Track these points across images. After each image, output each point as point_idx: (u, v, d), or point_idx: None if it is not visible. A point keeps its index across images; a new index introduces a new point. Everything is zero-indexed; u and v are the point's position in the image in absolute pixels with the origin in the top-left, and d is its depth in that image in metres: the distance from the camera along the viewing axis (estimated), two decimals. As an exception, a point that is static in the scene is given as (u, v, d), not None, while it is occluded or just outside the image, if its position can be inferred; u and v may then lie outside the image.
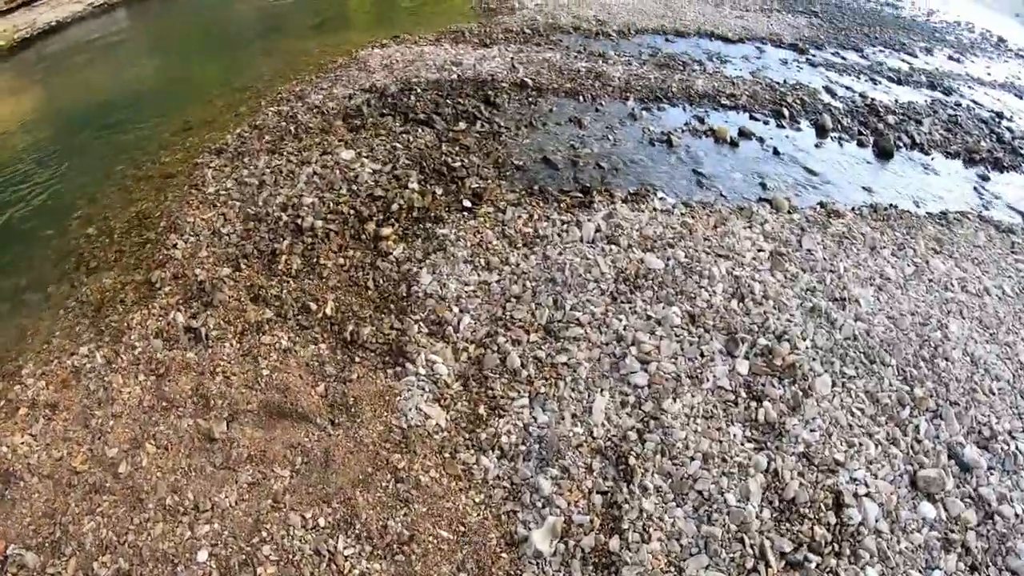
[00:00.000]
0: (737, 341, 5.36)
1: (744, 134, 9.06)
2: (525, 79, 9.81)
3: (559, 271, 5.90)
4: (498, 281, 5.88)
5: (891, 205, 8.21)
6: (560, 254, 6.09)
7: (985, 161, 10.43)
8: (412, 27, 13.14)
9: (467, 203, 6.97)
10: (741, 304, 5.72)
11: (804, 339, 5.49)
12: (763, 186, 7.88)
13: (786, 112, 10.01)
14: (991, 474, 4.90)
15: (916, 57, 15.76)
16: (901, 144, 10.05)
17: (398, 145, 8.00)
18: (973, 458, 4.93)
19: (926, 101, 12.17)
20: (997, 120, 12.31)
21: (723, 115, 9.71)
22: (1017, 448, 5.15)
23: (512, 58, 10.70)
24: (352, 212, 6.77)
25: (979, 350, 5.93)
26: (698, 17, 14.93)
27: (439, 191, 7.12)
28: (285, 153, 7.84)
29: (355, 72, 10.33)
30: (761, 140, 9.04)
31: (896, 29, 18.74)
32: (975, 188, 9.52)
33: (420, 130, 8.45)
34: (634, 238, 6.36)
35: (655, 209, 6.97)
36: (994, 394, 5.56)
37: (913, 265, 6.80)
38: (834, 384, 5.26)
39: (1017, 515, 4.67)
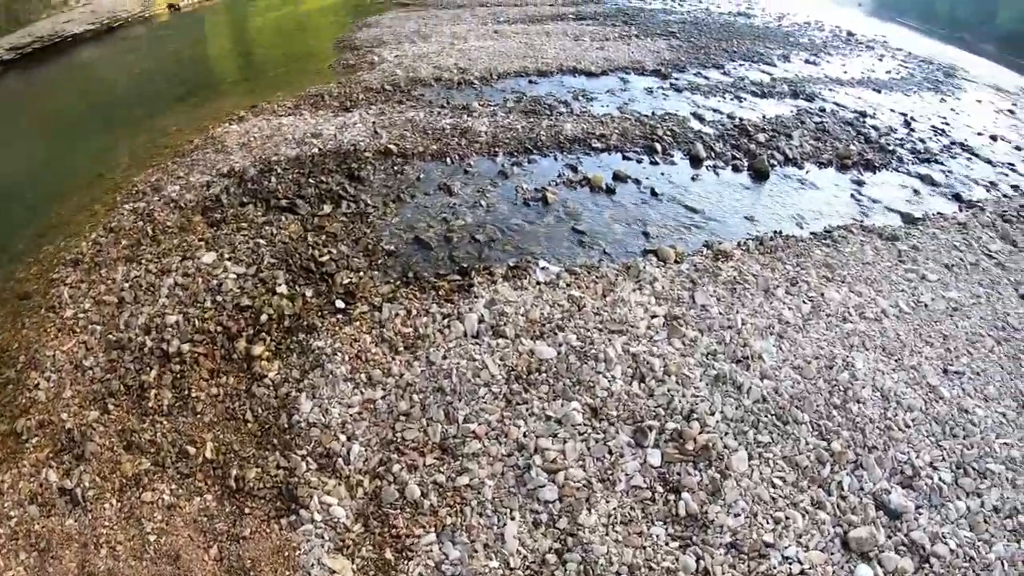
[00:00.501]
0: (645, 431, 4.82)
1: (619, 178, 8.67)
2: (389, 145, 9.19)
3: (446, 378, 5.26)
4: (383, 397, 5.20)
5: (776, 233, 7.97)
6: (445, 357, 5.46)
7: (857, 165, 10.50)
8: (273, 92, 12.47)
9: (340, 304, 6.26)
10: (643, 385, 5.20)
11: (713, 414, 5.00)
12: (646, 235, 7.47)
13: (658, 146, 9.68)
14: (920, 514, 4.61)
15: (775, 66, 15.87)
16: (775, 162, 9.89)
17: (261, 241, 7.24)
18: (900, 503, 4.63)
19: (792, 112, 12.13)
20: (861, 120, 12.42)
21: (596, 159, 9.30)
22: (940, 479, 4.91)
23: (374, 122, 10.05)
24: (220, 329, 5.99)
25: (887, 382, 5.66)
26: (559, 53, 14.60)
27: (309, 293, 6.41)
28: (144, 261, 6.96)
29: (212, 154, 9.48)
30: (637, 182, 8.67)
31: (752, 39, 18.91)
32: (852, 195, 9.47)
33: (284, 218, 7.72)
34: (520, 324, 5.78)
35: (538, 283, 6.42)
36: (909, 427, 5.29)
37: (808, 301, 6.46)
38: (751, 457, 4.80)
39: (952, 550, 4.41)
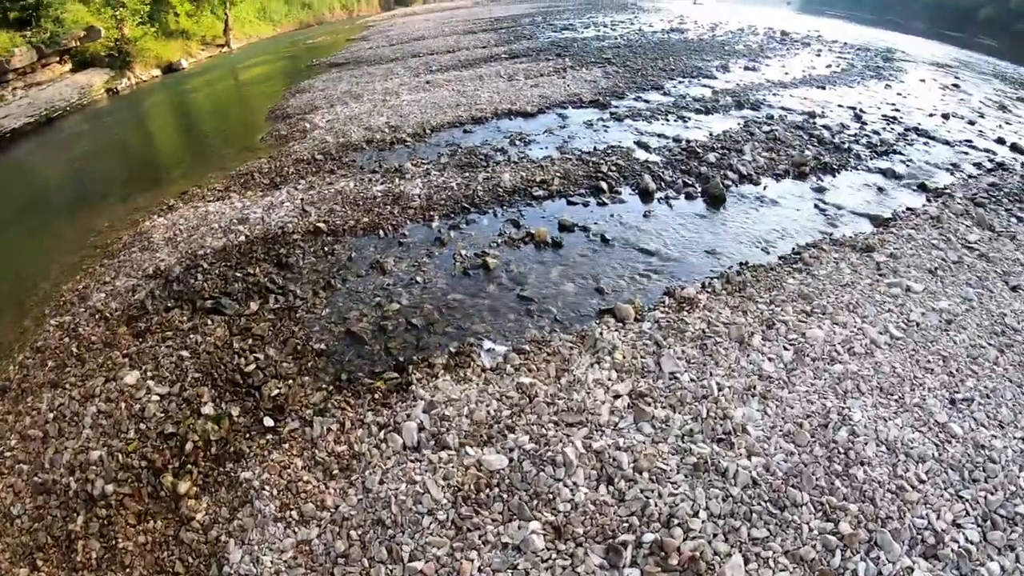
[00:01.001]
0: (618, 548, 3.94)
1: (565, 228, 7.89)
2: (318, 224, 8.42)
3: (385, 507, 4.37)
4: (319, 536, 4.35)
5: (742, 265, 7.29)
6: (382, 482, 4.55)
7: (815, 171, 9.99)
8: (204, 174, 11.78)
9: (269, 421, 5.42)
10: (611, 489, 4.32)
11: (697, 513, 4.14)
12: (600, 291, 6.65)
13: (604, 185, 8.96)
14: (951, 590, 3.60)
15: (715, 78, 15.38)
16: (729, 182, 9.34)
17: (185, 353, 6.41)
18: (927, 582, 3.61)
19: (740, 125, 11.61)
20: (811, 121, 12.01)
21: (539, 209, 8.53)
22: (967, 540, 4.12)
23: (302, 199, 9.25)
24: (144, 463, 5.16)
25: (892, 431, 4.87)
26: (492, 97, 13.88)
27: (236, 412, 5.57)
28: (68, 386, 6.12)
29: (138, 253, 8.73)
30: (585, 230, 7.89)
31: (688, 54, 18.42)
32: (815, 205, 8.89)
33: (210, 321, 6.92)
34: (465, 429, 4.92)
35: (484, 369, 5.54)
36: (924, 482, 4.51)
37: (790, 346, 5.66)
38: (748, 561, 3.95)
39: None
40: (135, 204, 10.78)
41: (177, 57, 27.92)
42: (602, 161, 9.73)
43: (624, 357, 5.49)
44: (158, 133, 17.92)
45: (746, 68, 17.42)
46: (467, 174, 9.49)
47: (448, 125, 12.30)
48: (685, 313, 6.19)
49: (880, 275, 7.05)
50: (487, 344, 5.88)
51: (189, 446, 5.27)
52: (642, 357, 5.52)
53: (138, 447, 5.36)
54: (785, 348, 5.64)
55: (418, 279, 7.07)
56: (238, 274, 7.74)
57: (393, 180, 9.61)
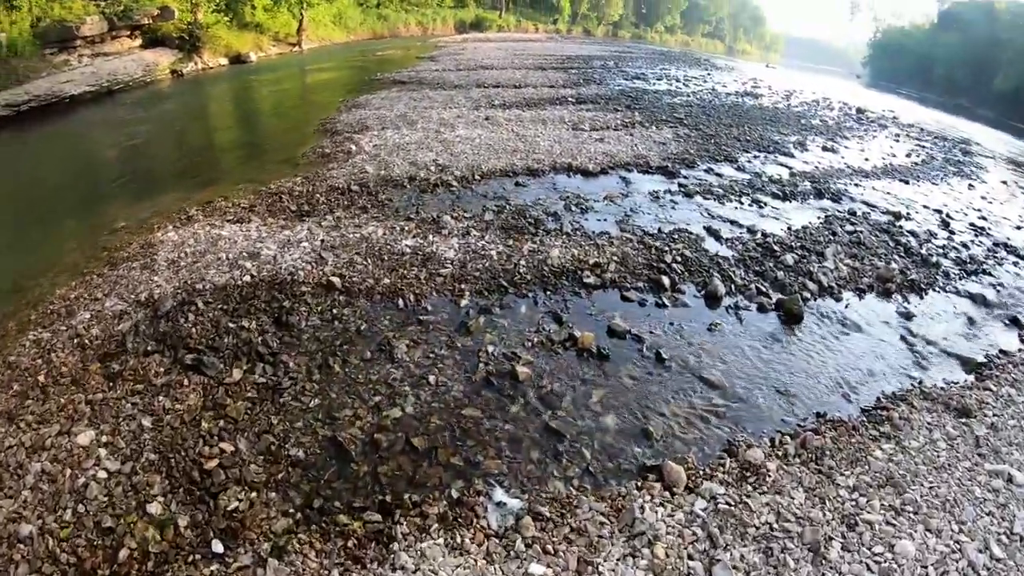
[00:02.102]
0: None
1: (616, 334, 6.48)
2: (332, 277, 7.19)
3: None
4: None
5: (819, 418, 5.86)
6: None
7: (901, 288, 8.59)
8: (236, 184, 10.84)
9: (218, 545, 4.16)
10: None
11: None
12: (647, 435, 5.16)
13: (666, 280, 7.50)
14: None
15: (793, 156, 13.95)
16: (808, 293, 8.00)
17: (147, 422, 5.20)
18: None
19: (820, 219, 10.36)
20: (897, 224, 10.73)
21: (587, 301, 7.12)
22: None
23: (323, 240, 8.10)
24: (73, 560, 4.01)
25: None
26: (553, 146, 12.48)
27: (184, 522, 4.32)
28: (23, 424, 5.10)
29: (138, 271, 7.64)
30: (639, 340, 6.43)
31: (764, 124, 16.90)
32: (902, 337, 7.46)
33: (186, 381, 5.72)
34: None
35: (487, 536, 4.11)
36: None
37: (874, 565, 4.13)
38: None
39: None
40: (159, 203, 9.96)
41: (247, 49, 27.50)
42: (667, 248, 8.29)
43: (666, 556, 4.03)
44: (207, 126, 17.17)
45: (824, 148, 15.89)
46: (511, 242, 8.10)
47: (500, 173, 10.94)
48: (749, 488, 4.71)
49: (980, 455, 5.56)
50: (498, 494, 4.49)
51: (124, 553, 4.09)
52: (689, 559, 3.98)
53: (71, 535, 4.25)
54: (869, 570, 4.06)
55: (431, 378, 5.69)
56: (231, 324, 6.53)
57: (427, 234, 8.30)
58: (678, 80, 25.62)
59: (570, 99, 18.57)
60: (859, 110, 23.00)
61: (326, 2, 39.17)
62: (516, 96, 18.64)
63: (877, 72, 57.16)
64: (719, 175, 12.08)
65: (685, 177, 11.72)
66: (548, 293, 7.20)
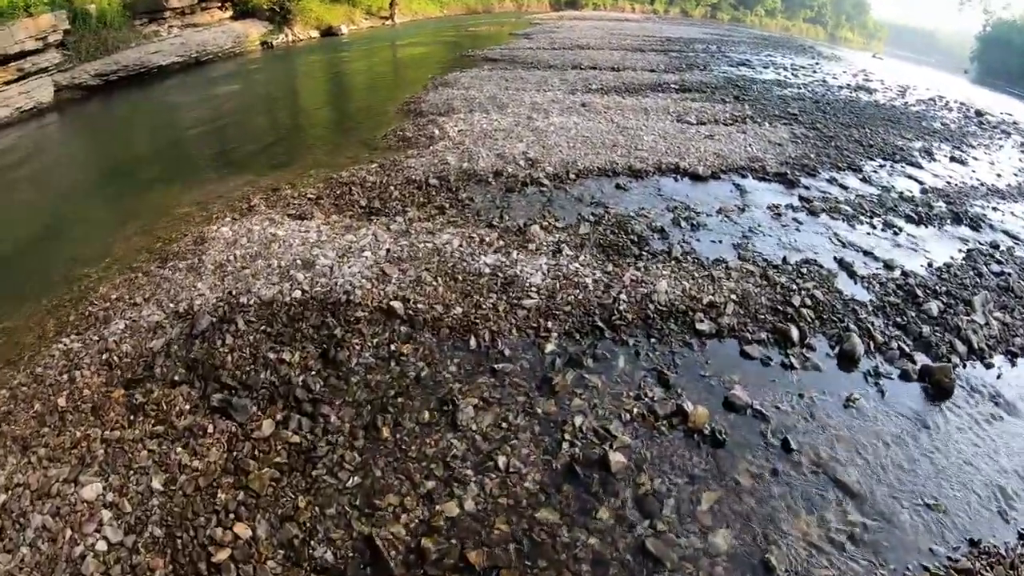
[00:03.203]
0: None
1: (733, 407, 4.96)
2: (394, 302, 5.91)
3: None
4: None
5: (973, 547, 4.26)
6: None
7: None
8: (308, 169, 9.95)
9: None
10: None
11: None
12: (768, 568, 3.79)
13: (795, 331, 5.82)
14: None
15: (920, 167, 12.19)
16: (956, 356, 6.22)
17: (158, 484, 4.18)
18: None
19: (961, 253, 8.49)
20: None
21: (699, 356, 5.57)
22: None
23: (389, 249, 6.82)
24: None
25: None
26: (658, 142, 10.79)
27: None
28: (34, 459, 4.31)
29: (183, 274, 6.60)
30: (761, 418, 4.89)
31: (884, 124, 14.91)
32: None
33: (210, 427, 4.65)
34: None
35: None
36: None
37: None
38: None
39: None
40: (227, 185, 9.30)
41: (338, 22, 27.04)
42: (794, 285, 6.59)
43: None
44: (289, 101, 16.20)
45: (952, 158, 13.67)
46: (610, 266, 6.55)
47: (598, 172, 9.39)
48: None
49: None
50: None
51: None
52: None
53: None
54: None
55: (500, 460, 4.27)
56: (271, 355, 5.36)
57: (511, 249, 6.90)
58: (786, 69, 23.25)
59: (673, 86, 16.67)
60: (978, 112, 20.36)
61: (421, -24, 37.94)
62: (615, 80, 16.84)
63: (985, 68, 52.44)
64: (844, 187, 10.20)
65: (806, 188, 9.85)
66: (653, 341, 5.56)
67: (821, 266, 7.41)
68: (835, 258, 7.74)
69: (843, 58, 34.61)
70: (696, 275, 6.59)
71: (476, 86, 15.46)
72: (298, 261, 6.70)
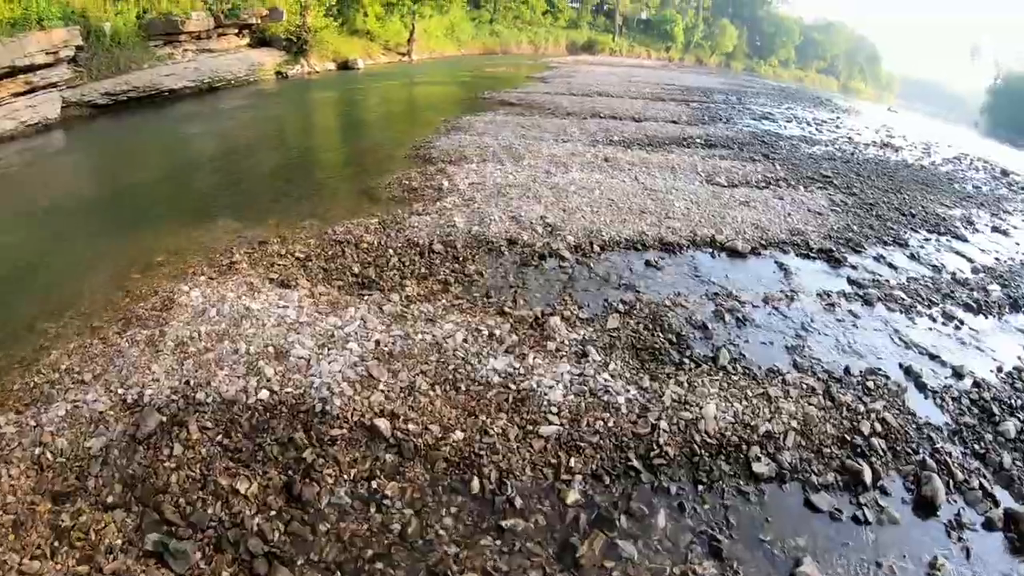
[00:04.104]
0: None
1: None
2: (379, 419, 4.75)
3: None
4: None
5: None
6: None
7: None
8: (302, 218, 8.88)
9: None
10: None
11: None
12: None
13: (867, 471, 4.67)
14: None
15: (966, 240, 11.05)
16: None
17: None
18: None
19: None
20: None
21: (756, 509, 4.42)
22: None
23: (379, 340, 5.73)
24: None
25: None
26: (690, 209, 9.55)
27: None
28: None
29: (140, 349, 5.43)
30: None
31: (919, 188, 14.12)
32: None
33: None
34: None
35: None
36: None
37: None
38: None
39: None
40: (212, 232, 8.25)
41: (355, 56, 26.85)
42: (861, 406, 5.46)
43: None
44: (296, 137, 15.26)
45: (994, 228, 12.42)
46: (646, 378, 5.34)
47: (626, 244, 8.20)
48: None
49: None
50: None
51: None
52: None
53: None
54: None
55: None
56: (224, 481, 4.15)
57: (525, 348, 5.75)
58: (809, 123, 22.12)
59: (698, 140, 15.45)
60: (1004, 172, 19.17)
61: (439, 14, 37.18)
62: (637, 132, 15.64)
63: (996, 121, 51.36)
64: (893, 266, 9.13)
65: (854, 267, 8.65)
66: (701, 488, 4.20)
67: (887, 376, 6.16)
68: (900, 365, 6.49)
69: (861, 111, 33.57)
70: (749, 393, 5.26)
71: (491, 132, 14.28)
72: (270, 349, 5.51)
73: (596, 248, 7.99)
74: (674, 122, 18.18)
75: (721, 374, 5.57)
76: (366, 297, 6.37)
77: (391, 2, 30.89)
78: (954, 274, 9.35)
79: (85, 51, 14.99)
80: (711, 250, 8.48)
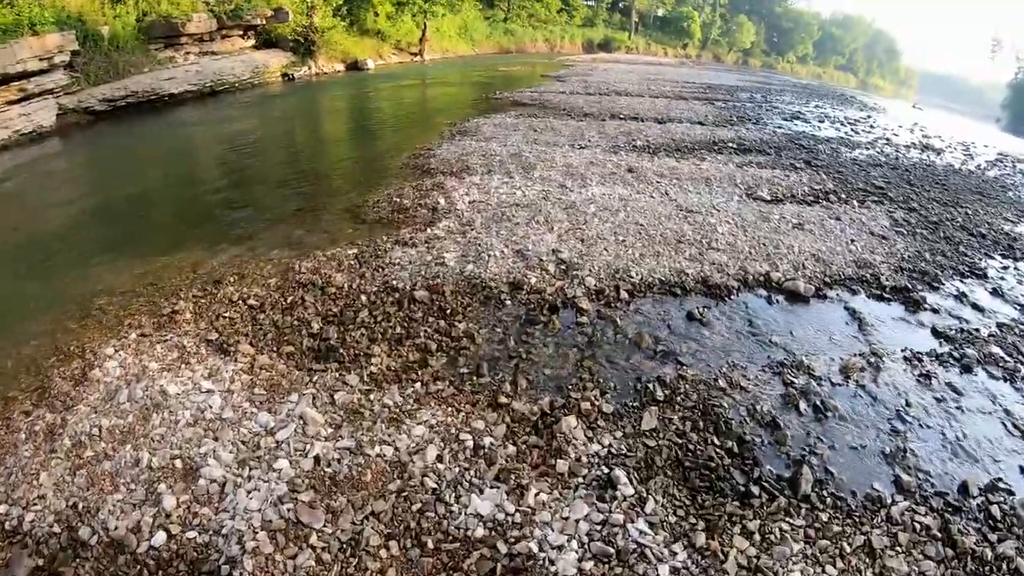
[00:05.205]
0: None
1: None
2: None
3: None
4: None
5: None
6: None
7: None
8: (276, 242, 7.44)
9: None
10: None
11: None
12: None
13: None
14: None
15: None
16: None
17: None
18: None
19: None
20: None
21: None
22: None
23: (318, 458, 4.00)
24: None
25: None
26: (736, 234, 7.84)
27: None
28: None
29: (35, 444, 4.00)
30: None
31: (975, 198, 12.26)
32: None
33: None
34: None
35: None
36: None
37: None
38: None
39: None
40: (165, 269, 6.63)
41: (365, 56, 25.75)
42: (988, 551, 3.81)
43: None
44: (289, 147, 13.46)
45: None
46: (700, 528, 3.54)
47: (661, 287, 6.46)
48: None
49: None
50: None
51: None
52: None
53: None
54: None
55: None
56: None
57: (524, 470, 4.00)
58: (842, 123, 20.15)
59: (731, 144, 13.47)
60: None
61: (451, 13, 35.39)
62: (662, 135, 13.65)
63: (1018, 116, 49.00)
64: (978, 307, 7.37)
65: (935, 310, 7.05)
66: None
67: (1011, 492, 4.35)
68: (1021, 468, 4.67)
69: (887, 109, 31.46)
70: (845, 546, 3.31)
71: (499, 136, 12.38)
72: (177, 463, 3.89)
73: (623, 294, 6.08)
74: (701, 123, 16.19)
75: (804, 510, 3.67)
76: (316, 377, 4.49)
77: (402, 1, 29.05)
78: (1046, 318, 7.21)
79: (82, 56, 14.06)
80: (766, 293, 6.54)
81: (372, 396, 4.40)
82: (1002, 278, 8.28)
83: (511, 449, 3.95)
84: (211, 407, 4.28)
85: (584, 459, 3.92)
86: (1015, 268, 8.74)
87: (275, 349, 5.01)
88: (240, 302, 5.76)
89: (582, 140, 12.98)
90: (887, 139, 18.73)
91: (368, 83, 22.41)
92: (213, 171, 10.83)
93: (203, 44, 19.52)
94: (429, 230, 7.44)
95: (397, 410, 4.26)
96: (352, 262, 6.58)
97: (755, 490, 3.82)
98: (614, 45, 56.87)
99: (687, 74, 35.95)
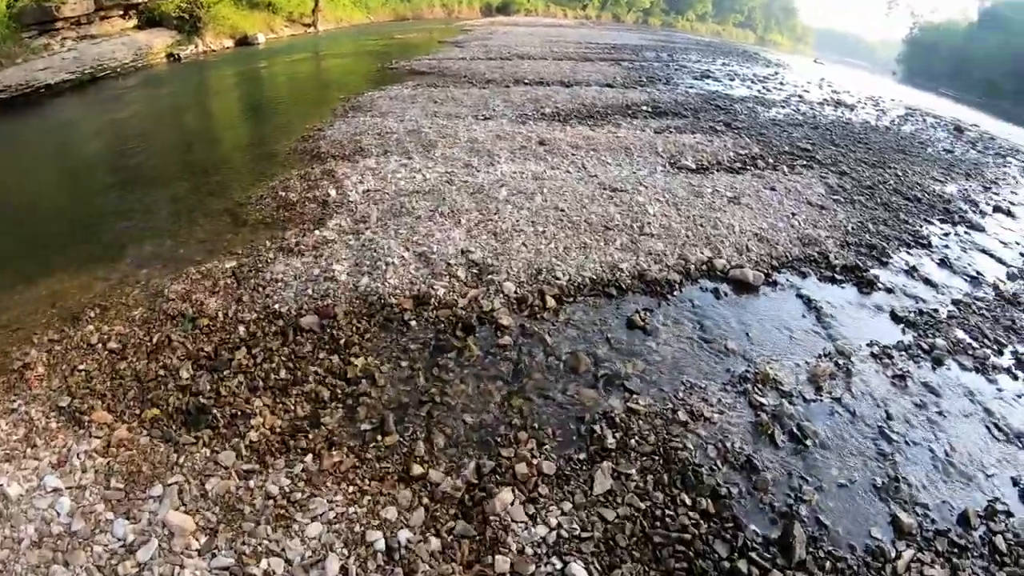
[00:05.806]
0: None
1: None
2: None
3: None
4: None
5: None
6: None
7: None
8: (149, 255, 6.22)
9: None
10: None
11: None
12: None
13: None
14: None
15: (982, 230, 9.01)
16: None
17: None
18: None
19: None
20: None
21: None
22: None
23: None
24: None
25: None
26: (669, 214, 7.85)
27: None
28: None
29: None
30: None
31: (899, 157, 12.16)
32: None
33: None
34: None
35: None
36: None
37: None
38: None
39: None
40: (18, 306, 5.27)
41: (255, 30, 24.14)
42: None
43: None
44: (169, 133, 11.88)
45: (995, 208, 10.36)
46: None
47: (592, 287, 5.73)
48: None
49: None
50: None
51: None
52: None
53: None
54: None
55: None
56: None
57: (461, 571, 3.08)
58: (752, 81, 20.01)
59: (644, 109, 12.78)
60: (957, 128, 17.49)
61: (344, -20, 33.78)
62: (571, 100, 12.85)
63: (912, 70, 51.77)
64: (931, 283, 6.99)
65: (890, 290, 6.65)
66: None
67: (1010, 514, 3.91)
68: (1013, 480, 4.24)
69: (791, 65, 31.64)
70: None
71: (396, 111, 11.28)
72: None
73: (549, 301, 5.17)
74: (610, 86, 15.50)
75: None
76: (184, 458, 3.40)
77: (291, -30, 27.35)
78: (996, 287, 7.25)
79: (-57, 49, 12.12)
80: (712, 285, 5.80)
81: (253, 482, 3.32)
82: (946, 246, 8.00)
83: (434, 544, 3.00)
84: (58, 515, 3.18)
85: (529, 549, 3.01)
86: (955, 234, 8.51)
87: (137, 413, 3.90)
88: (100, 345, 4.69)
89: (486, 110, 11.97)
90: (799, 96, 18.55)
91: (258, 59, 20.94)
92: (88, 174, 9.31)
93: (81, 28, 17.93)
94: (318, 231, 6.35)
95: (285, 500, 3.22)
96: (229, 279, 5.49)
97: (742, 565, 2.97)
98: (513, 8, 55.74)
99: (589, 35, 35.30)
